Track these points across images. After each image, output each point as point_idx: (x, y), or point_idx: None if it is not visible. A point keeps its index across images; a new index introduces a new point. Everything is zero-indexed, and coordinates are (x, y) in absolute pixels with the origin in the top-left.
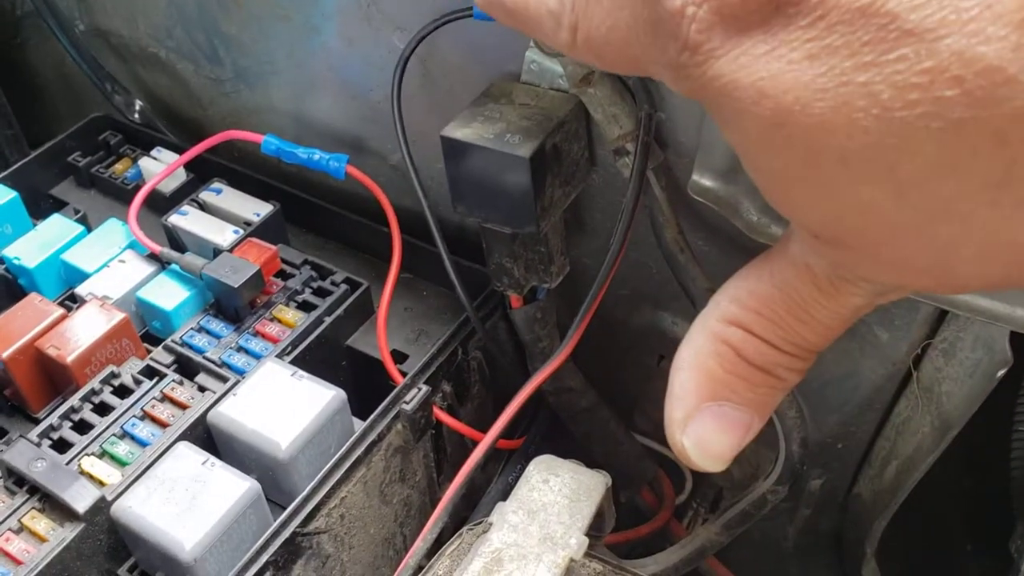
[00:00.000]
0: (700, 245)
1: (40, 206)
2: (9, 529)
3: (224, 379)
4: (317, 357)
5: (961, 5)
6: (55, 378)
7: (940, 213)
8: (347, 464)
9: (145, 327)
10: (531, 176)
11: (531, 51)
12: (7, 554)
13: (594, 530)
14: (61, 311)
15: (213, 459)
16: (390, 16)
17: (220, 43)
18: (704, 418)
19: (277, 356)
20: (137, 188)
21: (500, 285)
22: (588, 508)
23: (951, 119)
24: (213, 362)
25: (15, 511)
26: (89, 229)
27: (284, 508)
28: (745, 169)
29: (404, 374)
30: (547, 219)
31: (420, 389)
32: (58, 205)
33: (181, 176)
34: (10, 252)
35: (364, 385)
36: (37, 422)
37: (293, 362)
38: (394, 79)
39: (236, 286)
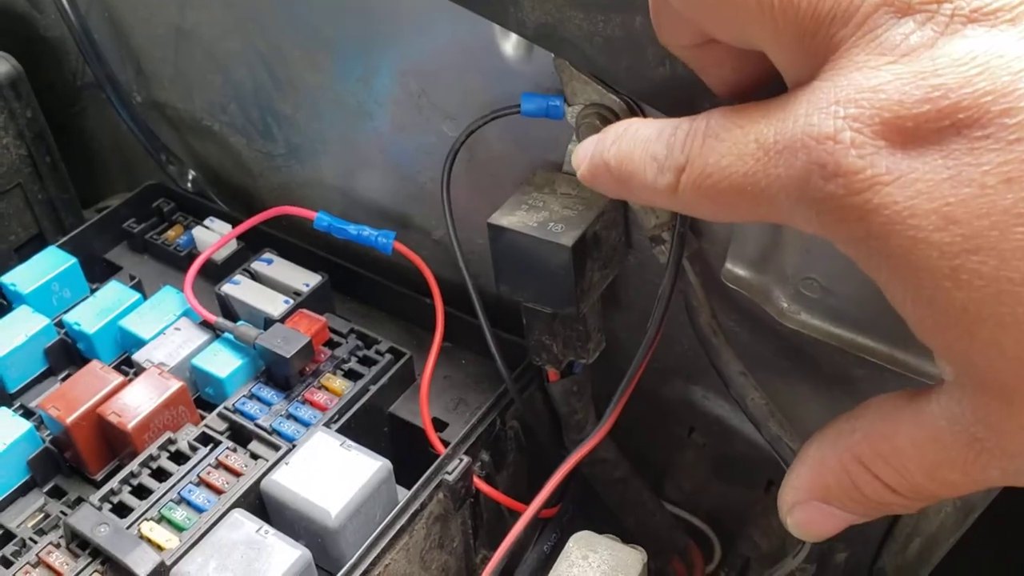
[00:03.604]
0: (732, 326)
1: (95, 270)
2: None
3: (275, 447)
4: (362, 424)
5: None
6: (114, 442)
7: None
8: (392, 532)
9: (198, 392)
10: (572, 263)
11: (573, 143)
12: None
13: None
14: (121, 378)
15: (267, 527)
16: (440, 106)
17: (274, 121)
18: (810, 508)
19: (325, 424)
20: (189, 254)
21: (539, 360)
22: None
23: None
24: (264, 429)
25: (78, 573)
26: (144, 295)
27: (331, 574)
28: (903, 311)
29: (444, 442)
30: (586, 301)
31: (461, 460)
32: (112, 269)
33: (232, 245)
34: (70, 317)
35: (405, 450)
36: (94, 483)
37: (340, 429)
38: (444, 170)
39: (288, 356)
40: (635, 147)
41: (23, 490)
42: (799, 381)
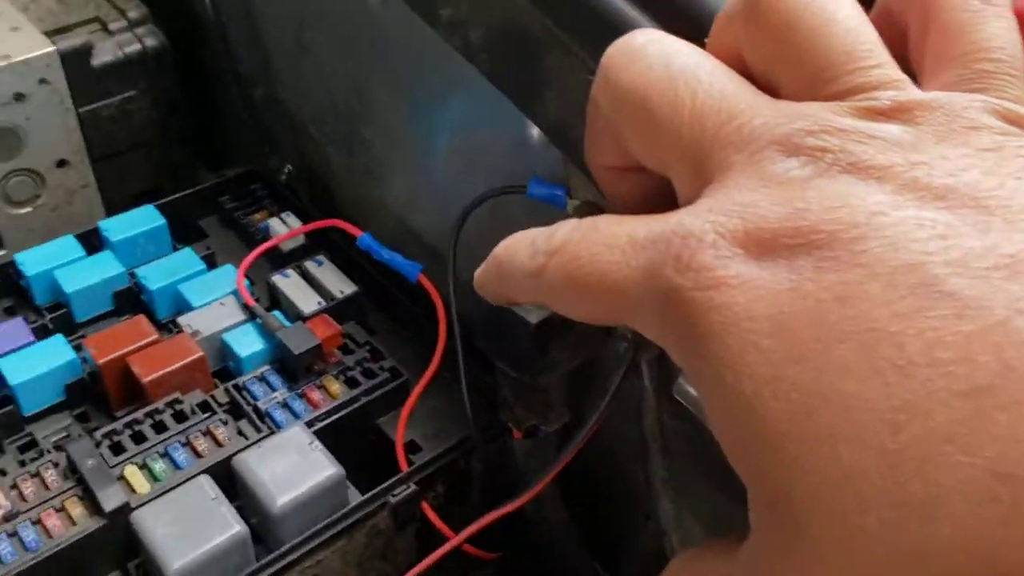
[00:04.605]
0: (675, 426)
1: (189, 233)
2: (52, 507)
3: (259, 429)
4: (347, 428)
5: (1010, 288)
6: (135, 389)
7: (923, 504)
8: (328, 534)
9: (225, 363)
10: (535, 339)
11: None
12: (44, 526)
13: None
14: (156, 336)
15: (222, 497)
16: (483, 167)
17: (356, 141)
18: None
19: (313, 420)
20: (263, 239)
21: (504, 415)
22: None
23: (978, 384)
24: (259, 412)
25: (63, 492)
26: (212, 266)
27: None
28: (717, 422)
29: (411, 463)
30: (548, 375)
31: (409, 487)
32: (201, 235)
33: (301, 239)
34: (142, 271)
35: (382, 462)
36: (114, 419)
37: (325, 427)
38: (454, 229)
39: (296, 353)
40: (521, 238)
41: (56, 409)
42: (727, 498)
